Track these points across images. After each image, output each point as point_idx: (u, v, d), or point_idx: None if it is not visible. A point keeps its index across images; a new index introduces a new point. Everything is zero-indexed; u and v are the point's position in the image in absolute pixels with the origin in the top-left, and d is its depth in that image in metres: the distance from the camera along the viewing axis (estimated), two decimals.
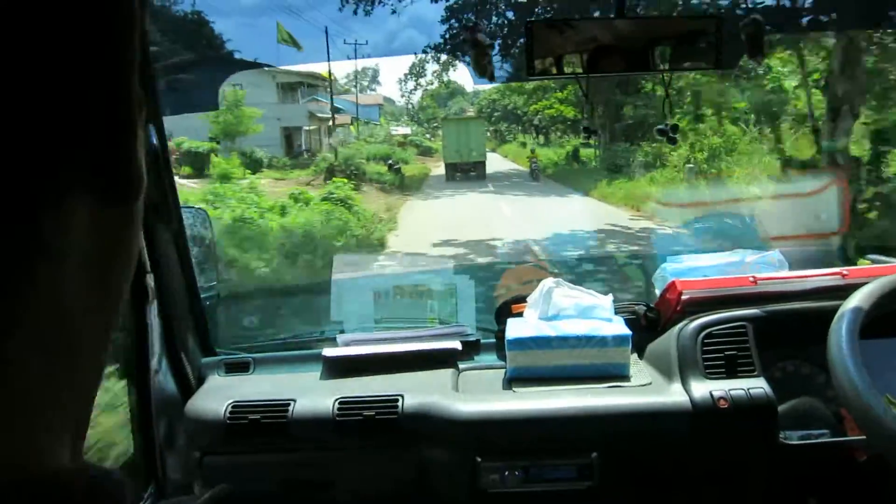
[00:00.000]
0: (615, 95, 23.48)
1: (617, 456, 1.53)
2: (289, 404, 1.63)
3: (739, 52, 1.66)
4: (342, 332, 1.94)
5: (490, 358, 1.82)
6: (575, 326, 1.72)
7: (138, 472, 1.62)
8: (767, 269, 1.89)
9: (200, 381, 1.78)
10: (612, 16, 1.61)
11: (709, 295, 1.77)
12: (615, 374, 1.67)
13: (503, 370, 1.72)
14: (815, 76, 13.67)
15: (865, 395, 1.23)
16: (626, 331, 1.70)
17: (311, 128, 32.30)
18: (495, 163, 36.76)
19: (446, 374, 1.75)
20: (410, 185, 25.71)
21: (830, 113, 11.25)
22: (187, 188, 15.50)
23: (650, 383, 1.65)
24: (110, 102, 0.38)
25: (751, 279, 1.79)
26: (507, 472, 1.51)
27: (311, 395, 1.68)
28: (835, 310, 1.35)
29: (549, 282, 1.85)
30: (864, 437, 1.29)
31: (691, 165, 17.27)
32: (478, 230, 13.24)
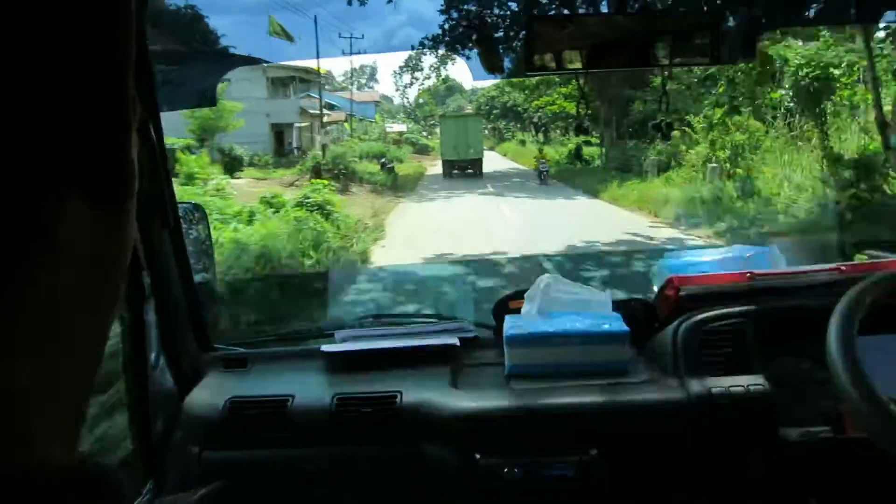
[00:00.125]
0: (623, 90, 22.31)
1: (616, 452, 1.53)
2: (287, 400, 1.63)
3: (738, 47, 1.66)
4: (341, 327, 1.93)
5: (488, 354, 1.82)
6: (573, 323, 1.72)
7: (136, 469, 1.62)
8: (765, 264, 1.89)
9: (198, 376, 1.78)
10: (611, 10, 1.61)
11: (707, 291, 1.77)
12: (613, 371, 1.67)
13: (501, 366, 1.72)
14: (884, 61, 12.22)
15: (865, 392, 1.23)
16: (625, 327, 1.70)
17: (303, 125, 31.10)
18: (494, 161, 35.96)
19: (445, 370, 1.75)
20: (404, 185, 24.34)
21: None
22: None
23: (648, 380, 1.65)
24: (107, 102, 0.38)
25: (748, 275, 1.79)
26: (505, 469, 1.51)
27: (310, 390, 1.68)
28: (833, 305, 1.35)
29: (546, 278, 1.85)
30: (865, 434, 1.29)
31: (714, 165, 15.50)
32: (477, 240, 11.63)
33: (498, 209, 16.91)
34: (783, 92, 15.17)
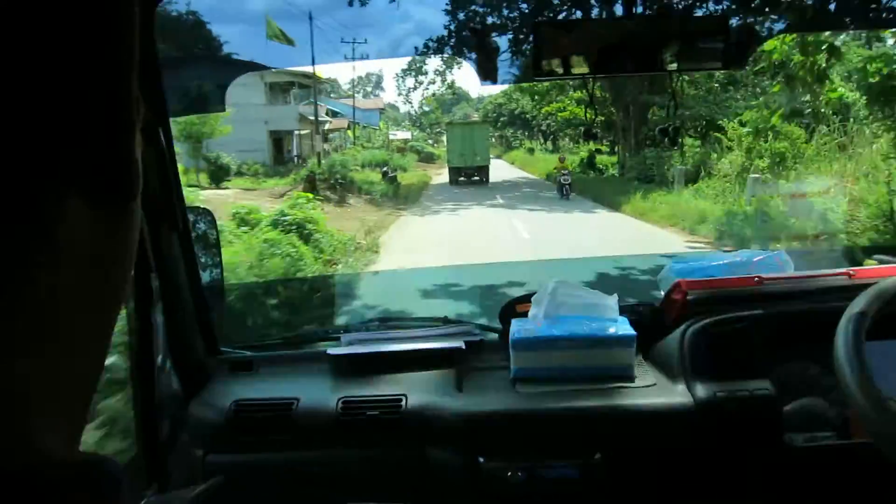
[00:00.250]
0: (640, 94, 21.19)
1: (621, 456, 1.52)
2: (292, 403, 1.63)
3: (748, 52, 1.66)
4: (347, 330, 1.94)
5: (494, 358, 1.82)
6: (579, 326, 1.71)
7: (141, 471, 1.62)
8: (773, 269, 1.88)
9: (205, 379, 1.78)
10: (620, 15, 1.61)
11: (714, 295, 1.76)
12: (619, 375, 1.66)
13: (507, 370, 1.72)
14: None
15: (872, 398, 1.22)
16: (631, 331, 1.70)
17: (304, 132, 30.03)
18: (502, 170, 35.41)
19: (450, 373, 1.74)
20: (406, 195, 22.95)
21: None
22: None
23: (655, 384, 1.64)
24: (109, 102, 0.38)
25: (756, 279, 1.79)
26: (510, 473, 1.50)
27: (315, 393, 1.68)
28: (841, 310, 1.34)
29: (553, 281, 1.84)
30: (871, 440, 1.28)
31: (756, 176, 13.54)
32: (489, 268, 9.39)
33: (510, 224, 15.33)
34: (845, 89, 13.62)
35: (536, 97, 33.28)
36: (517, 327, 1.74)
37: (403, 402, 1.61)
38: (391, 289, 8.25)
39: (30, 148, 0.35)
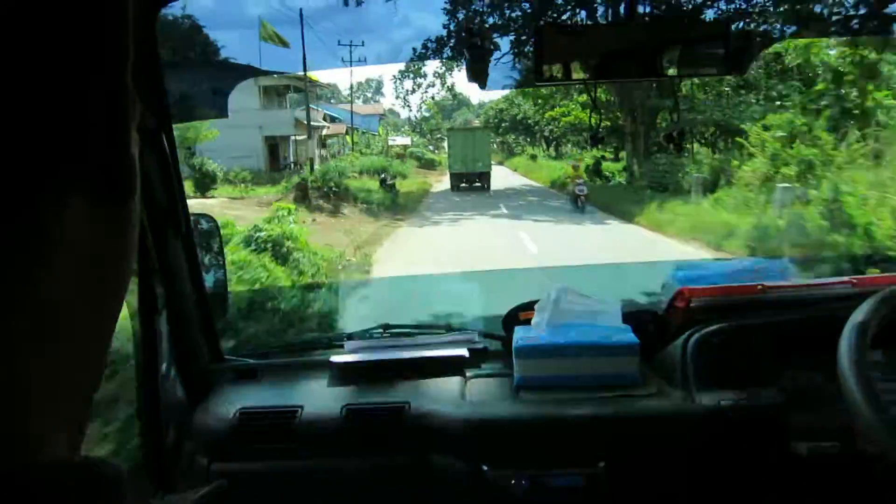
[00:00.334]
0: (648, 99, 20.10)
1: (624, 465, 1.52)
2: (296, 411, 1.63)
3: (750, 57, 1.66)
4: (350, 338, 1.93)
5: (497, 365, 1.82)
6: (583, 334, 1.71)
7: (146, 478, 1.62)
8: (776, 276, 1.88)
9: (209, 387, 1.78)
10: (621, 20, 1.61)
11: (717, 302, 1.76)
12: (623, 383, 1.66)
13: (510, 378, 1.71)
14: None
15: (876, 406, 1.22)
16: (634, 339, 1.70)
17: (300, 138, 28.86)
18: (505, 177, 34.73)
19: (453, 381, 1.74)
20: (405, 204, 21.82)
21: None
22: None
23: (658, 392, 1.64)
24: (105, 101, 0.38)
25: (759, 287, 1.78)
26: (513, 481, 1.50)
27: (319, 401, 1.68)
28: (845, 318, 1.34)
29: (557, 289, 1.84)
30: (875, 449, 1.27)
31: (787, 185, 12.31)
32: (494, 287, 8.28)
33: (515, 237, 14.17)
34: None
35: (540, 100, 32.67)
36: (520, 335, 1.74)
37: (407, 410, 1.61)
38: (394, 296, 8.23)
39: (27, 147, 0.35)
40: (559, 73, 1.66)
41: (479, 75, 1.67)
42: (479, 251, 12.03)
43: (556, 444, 1.55)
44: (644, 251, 11.61)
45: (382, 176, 25.17)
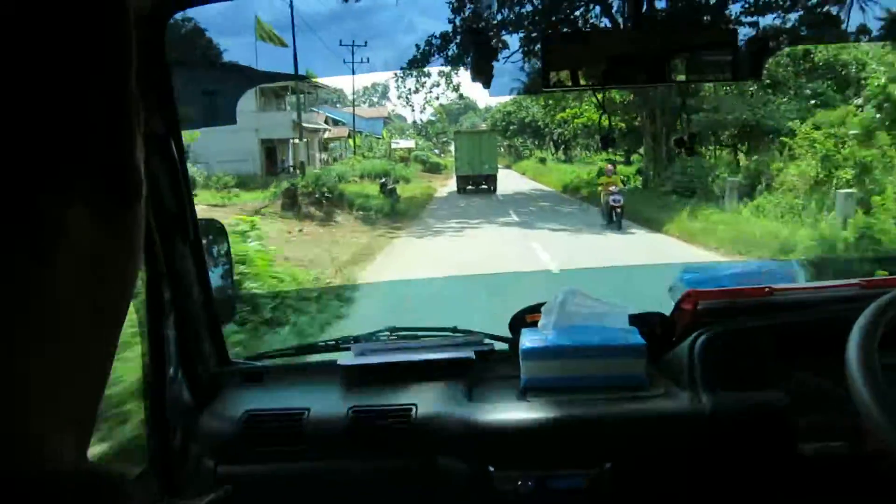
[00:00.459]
0: (669, 98, 18.39)
1: (631, 466, 1.52)
2: (303, 413, 1.63)
3: (757, 62, 1.66)
4: (356, 340, 1.94)
5: (504, 368, 1.82)
6: (590, 336, 1.71)
7: (153, 482, 1.63)
8: (784, 279, 1.87)
9: (216, 390, 1.79)
10: (628, 26, 1.61)
11: (725, 305, 1.76)
12: (630, 385, 1.66)
13: (517, 380, 1.71)
14: None
15: (884, 407, 1.22)
16: (641, 340, 1.69)
17: (300, 141, 27.91)
18: (514, 181, 34.20)
19: (460, 383, 1.74)
20: (406, 211, 20.10)
21: None
22: None
23: (665, 393, 1.63)
24: (108, 103, 0.38)
25: (767, 289, 1.78)
26: (520, 482, 1.50)
27: (326, 404, 1.68)
28: (853, 319, 1.33)
29: (563, 291, 1.84)
30: (884, 448, 1.27)
31: (848, 191, 10.94)
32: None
33: (528, 248, 12.60)
34: None
35: (551, 102, 31.45)
36: (527, 337, 1.74)
37: (413, 412, 1.61)
38: (401, 299, 8.22)
39: (30, 150, 0.35)
40: (566, 80, 1.66)
41: (483, 72, 1.67)
42: (486, 270, 10.21)
43: (563, 445, 1.55)
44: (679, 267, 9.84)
45: (383, 180, 24.35)
